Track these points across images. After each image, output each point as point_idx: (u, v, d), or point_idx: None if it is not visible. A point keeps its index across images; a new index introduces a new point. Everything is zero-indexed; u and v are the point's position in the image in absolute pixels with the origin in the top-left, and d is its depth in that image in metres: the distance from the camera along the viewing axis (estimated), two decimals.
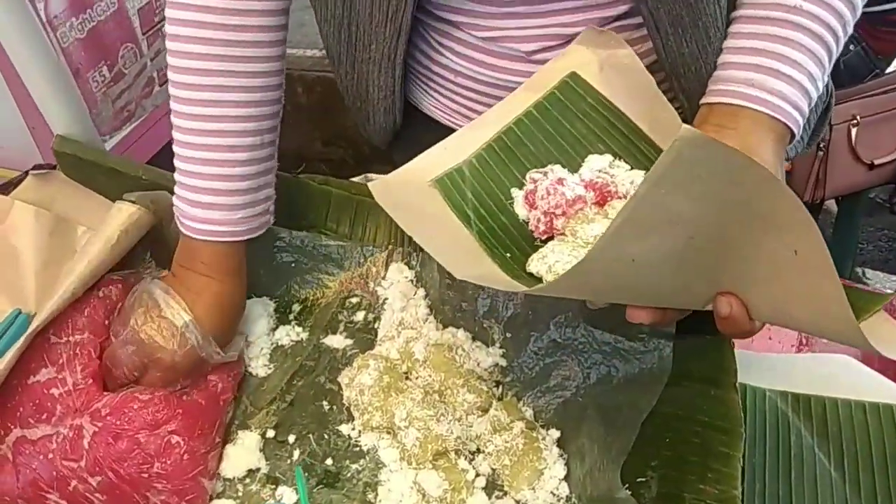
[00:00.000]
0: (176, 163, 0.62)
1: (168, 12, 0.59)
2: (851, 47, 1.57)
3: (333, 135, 1.90)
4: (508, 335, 0.67)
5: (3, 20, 0.73)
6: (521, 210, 0.56)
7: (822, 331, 0.44)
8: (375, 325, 0.70)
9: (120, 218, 0.65)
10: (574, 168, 0.56)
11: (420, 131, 0.67)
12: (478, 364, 0.66)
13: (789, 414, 0.61)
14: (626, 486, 0.55)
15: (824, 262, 0.38)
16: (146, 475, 0.57)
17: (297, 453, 0.62)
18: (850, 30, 0.53)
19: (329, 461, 0.61)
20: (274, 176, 0.67)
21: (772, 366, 0.67)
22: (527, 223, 0.55)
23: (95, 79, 0.97)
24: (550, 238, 0.53)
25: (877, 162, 1.50)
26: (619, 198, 0.53)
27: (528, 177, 0.56)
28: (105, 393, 0.59)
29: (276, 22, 0.61)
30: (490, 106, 0.61)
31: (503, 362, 0.66)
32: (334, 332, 0.70)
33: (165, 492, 0.57)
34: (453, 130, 0.60)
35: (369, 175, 0.81)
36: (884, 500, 0.56)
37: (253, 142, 0.62)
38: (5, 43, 0.75)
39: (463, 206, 0.56)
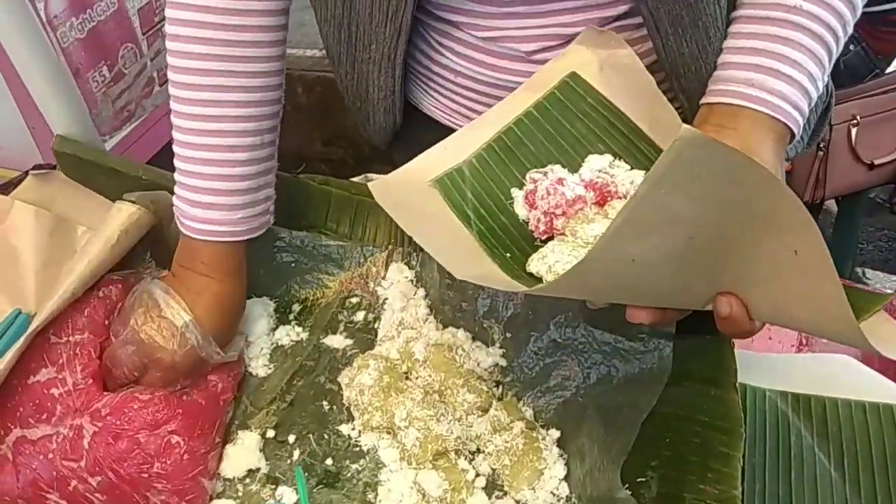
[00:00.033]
0: (176, 163, 0.62)
1: (168, 12, 0.59)
2: (851, 47, 1.58)
3: (333, 135, 1.90)
4: (508, 335, 0.67)
5: (4, 20, 0.73)
6: (520, 210, 0.56)
7: (822, 331, 0.44)
8: (375, 325, 0.70)
9: (120, 218, 0.65)
10: (574, 168, 0.56)
11: (420, 131, 0.67)
12: (478, 364, 0.66)
13: (789, 414, 0.61)
14: (626, 486, 0.55)
15: (824, 262, 0.38)
16: (146, 475, 0.57)
17: (297, 453, 0.62)
18: (851, 30, 0.53)
19: (329, 461, 0.61)
20: (274, 176, 0.67)
21: (772, 366, 0.67)
22: (527, 223, 0.55)
23: (95, 79, 0.97)
24: (550, 238, 0.53)
25: (877, 162, 1.50)
26: (619, 198, 0.53)
27: (528, 177, 0.56)
28: (105, 393, 0.59)
29: (276, 22, 0.61)
30: (490, 106, 0.61)
31: (503, 362, 0.66)
32: (334, 332, 0.70)
33: (165, 492, 0.57)
34: (453, 130, 0.60)
35: (369, 175, 0.81)
36: (884, 501, 0.56)
37: (253, 142, 0.62)
38: (5, 43, 0.75)
39: (463, 206, 0.56)
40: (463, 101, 0.66)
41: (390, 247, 0.72)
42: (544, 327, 0.65)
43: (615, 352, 0.62)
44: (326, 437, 0.63)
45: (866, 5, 0.55)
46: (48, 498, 0.57)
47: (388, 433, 0.62)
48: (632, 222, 0.38)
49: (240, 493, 0.60)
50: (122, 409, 0.58)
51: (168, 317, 0.60)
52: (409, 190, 0.57)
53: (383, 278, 0.72)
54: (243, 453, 0.62)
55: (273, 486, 0.60)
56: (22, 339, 0.58)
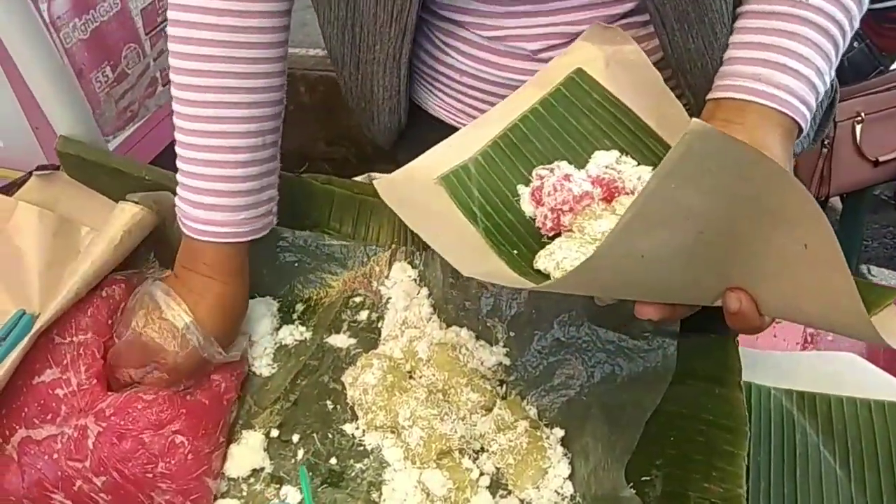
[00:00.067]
0: (178, 164, 0.62)
1: (170, 13, 0.59)
2: (855, 44, 1.57)
3: (336, 134, 1.90)
4: (512, 334, 0.67)
5: (7, 21, 0.73)
6: (527, 207, 0.55)
7: (832, 325, 0.44)
8: (379, 325, 0.70)
9: (123, 218, 0.65)
10: (580, 164, 0.56)
11: (425, 131, 0.67)
12: (481, 363, 0.66)
13: (794, 412, 0.61)
14: (631, 484, 0.55)
15: (835, 255, 0.38)
16: (150, 475, 0.57)
17: (301, 453, 0.62)
18: (857, 24, 0.53)
19: (333, 460, 0.61)
20: (277, 176, 0.67)
21: (776, 364, 0.67)
22: (533, 220, 0.55)
23: (98, 79, 0.97)
24: (557, 235, 0.53)
25: (881, 159, 1.49)
26: (627, 194, 0.53)
27: (534, 173, 0.56)
28: (109, 393, 0.59)
29: (278, 23, 0.61)
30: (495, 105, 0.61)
31: (507, 361, 0.66)
32: (338, 332, 0.70)
33: (170, 492, 0.57)
34: (458, 130, 0.60)
35: (372, 174, 0.81)
36: (889, 499, 0.56)
37: (255, 142, 0.62)
38: (8, 44, 0.75)
39: (469, 203, 0.56)
40: (468, 101, 0.66)
41: (393, 246, 0.72)
42: (548, 326, 0.65)
43: (619, 350, 0.62)
44: (330, 436, 0.63)
45: (871, 2, 0.54)
46: (53, 498, 0.57)
47: (392, 432, 0.62)
48: (642, 217, 0.38)
49: (244, 493, 0.60)
50: (127, 409, 0.58)
51: (169, 318, 0.60)
52: (415, 187, 0.57)
53: (387, 277, 0.72)
54: (247, 453, 0.62)
55: (277, 486, 0.60)
56: (26, 339, 0.58)
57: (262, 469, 0.61)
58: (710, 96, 0.54)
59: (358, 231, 0.73)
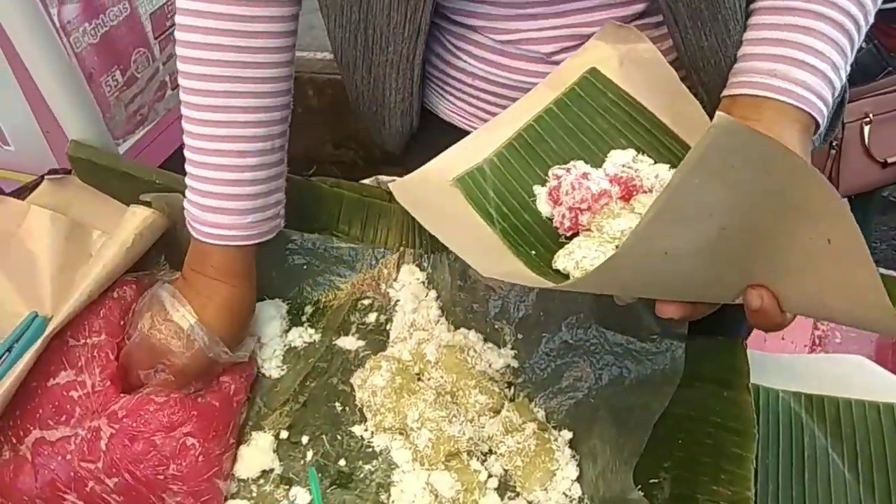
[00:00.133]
0: (187, 167, 0.63)
1: (178, 18, 0.60)
2: (863, 45, 1.56)
3: (344, 137, 1.91)
4: (520, 336, 0.67)
5: (19, 26, 0.74)
6: (544, 207, 0.55)
7: (856, 320, 0.43)
8: (387, 327, 0.71)
9: (134, 221, 0.66)
10: (596, 164, 0.55)
11: (435, 135, 0.67)
12: (490, 365, 0.66)
13: (802, 415, 0.61)
14: (639, 487, 0.55)
15: (859, 250, 0.37)
16: (162, 477, 0.57)
17: (310, 454, 0.62)
18: (871, 19, 0.52)
19: (342, 462, 0.62)
20: (284, 180, 0.67)
21: (785, 366, 0.67)
22: (550, 220, 0.55)
23: (108, 83, 0.98)
24: (575, 234, 0.53)
25: (890, 160, 1.49)
26: (645, 192, 0.52)
27: (550, 173, 0.55)
28: (122, 395, 0.60)
29: (286, 28, 0.62)
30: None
31: (515, 363, 0.66)
32: (346, 334, 0.70)
33: (181, 493, 0.58)
34: (470, 133, 0.60)
35: (380, 177, 0.81)
36: None
37: (263, 146, 0.63)
38: (20, 48, 0.76)
39: (485, 204, 0.56)
40: (480, 105, 0.66)
41: (402, 249, 0.72)
42: (556, 328, 0.65)
43: (627, 353, 0.62)
44: (339, 437, 0.63)
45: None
46: (66, 498, 0.58)
47: (401, 434, 0.62)
48: (666, 213, 0.37)
49: (254, 494, 0.61)
50: (139, 411, 0.59)
51: (175, 320, 0.61)
52: (430, 189, 0.57)
53: (395, 280, 0.72)
54: (257, 454, 0.62)
55: (287, 487, 0.61)
56: (39, 341, 0.59)
57: (272, 470, 0.62)
58: (725, 93, 0.54)
59: (366, 234, 0.74)
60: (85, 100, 0.81)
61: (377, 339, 0.70)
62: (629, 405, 0.60)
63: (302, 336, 0.71)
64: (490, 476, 0.60)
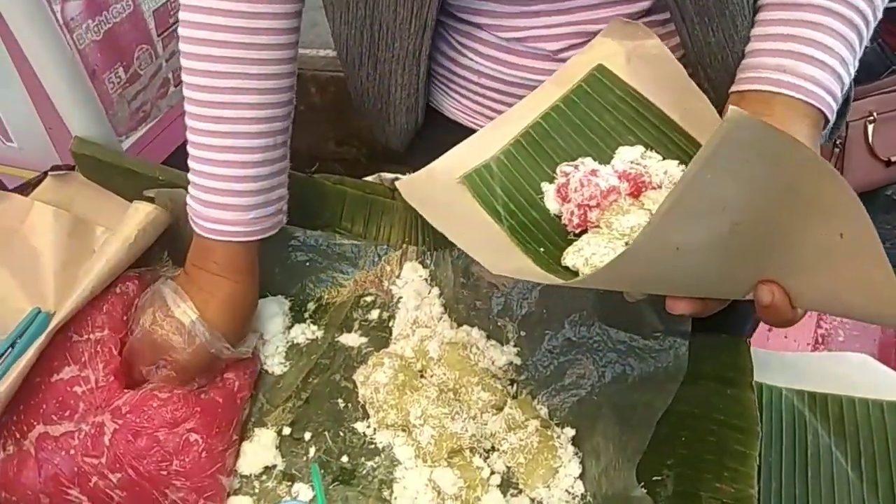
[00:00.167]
0: (189, 163, 0.63)
1: (181, 15, 0.60)
2: (868, 43, 1.56)
3: (347, 134, 1.91)
4: (523, 333, 0.67)
5: (22, 23, 0.74)
6: (552, 204, 0.55)
7: (870, 316, 0.43)
8: (390, 324, 0.71)
9: (137, 217, 0.66)
10: (604, 161, 0.55)
11: (440, 133, 0.67)
12: (492, 362, 0.66)
13: (806, 413, 0.61)
14: (642, 484, 0.55)
15: (873, 245, 0.37)
16: (165, 472, 0.57)
17: (312, 450, 0.62)
18: (880, 15, 0.52)
19: (345, 458, 0.62)
20: (287, 176, 0.67)
21: (788, 364, 0.67)
22: (558, 217, 0.54)
23: (111, 80, 0.98)
24: (583, 231, 0.53)
25: (894, 159, 1.48)
26: (654, 188, 0.52)
27: (558, 170, 0.55)
28: (125, 391, 0.60)
29: (289, 25, 0.62)
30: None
31: (518, 361, 0.66)
32: (349, 331, 0.70)
33: (184, 489, 0.58)
34: (475, 132, 0.60)
35: (383, 175, 0.81)
36: None
37: (266, 143, 0.63)
38: (24, 45, 0.76)
39: (492, 201, 0.55)
40: (486, 102, 0.66)
41: (405, 246, 0.72)
42: (559, 326, 0.65)
43: (630, 350, 0.62)
44: (342, 434, 0.63)
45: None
46: (69, 493, 0.58)
47: (404, 431, 0.62)
48: (678, 208, 0.37)
49: (256, 490, 0.61)
50: (142, 406, 0.59)
51: (177, 316, 0.61)
52: (437, 187, 0.57)
53: (398, 277, 0.72)
54: (260, 450, 0.62)
55: (289, 483, 0.61)
56: (42, 336, 0.59)
57: (275, 466, 0.62)
58: (733, 89, 0.54)
59: (369, 231, 0.74)
60: (88, 96, 0.81)
61: (380, 335, 0.70)
62: (632, 402, 0.60)
63: (304, 333, 0.71)
64: (493, 473, 0.60)
